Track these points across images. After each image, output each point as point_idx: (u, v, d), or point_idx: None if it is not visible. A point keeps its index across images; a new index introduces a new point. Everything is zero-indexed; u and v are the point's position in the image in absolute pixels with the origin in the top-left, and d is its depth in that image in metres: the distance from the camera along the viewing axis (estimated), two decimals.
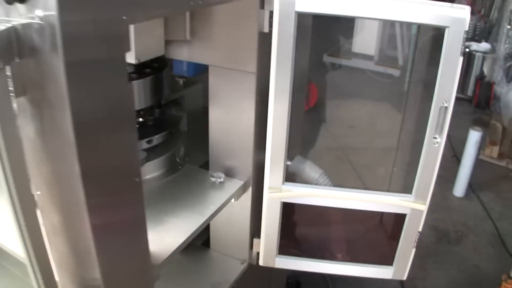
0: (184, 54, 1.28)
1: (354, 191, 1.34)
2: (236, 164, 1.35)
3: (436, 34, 1.84)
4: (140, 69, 1.26)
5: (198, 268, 1.47)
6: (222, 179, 1.33)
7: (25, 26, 0.67)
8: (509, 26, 4.24)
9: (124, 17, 0.72)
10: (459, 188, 3.56)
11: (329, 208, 1.37)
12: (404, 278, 1.48)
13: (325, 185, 1.51)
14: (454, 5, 1.19)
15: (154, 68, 1.29)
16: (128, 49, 0.74)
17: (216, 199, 1.28)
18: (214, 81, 1.28)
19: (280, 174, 1.31)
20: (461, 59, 1.20)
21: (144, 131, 1.32)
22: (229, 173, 1.36)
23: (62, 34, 0.64)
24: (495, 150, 3.95)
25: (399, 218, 1.37)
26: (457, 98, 1.29)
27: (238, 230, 1.43)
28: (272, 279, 1.78)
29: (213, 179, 1.33)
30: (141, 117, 1.36)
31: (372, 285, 2.72)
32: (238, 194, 1.34)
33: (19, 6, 0.67)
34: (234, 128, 1.30)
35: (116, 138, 0.78)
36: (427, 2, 1.18)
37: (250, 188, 1.36)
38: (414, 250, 1.41)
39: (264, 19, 1.16)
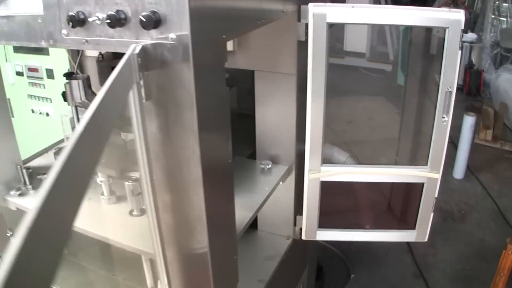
0: (230, 63, 1.57)
1: (380, 167, 1.64)
2: (280, 152, 1.64)
3: (426, 29, 2.18)
4: None
5: (250, 245, 1.75)
6: (270, 166, 1.62)
7: (156, 45, 0.95)
8: (493, 16, 4.63)
9: (224, 36, 1.01)
10: (459, 170, 3.90)
11: (359, 183, 1.66)
12: (425, 239, 1.77)
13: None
14: (452, 9, 1.51)
15: None
16: (226, 60, 1.03)
17: (267, 182, 1.57)
18: (259, 83, 1.58)
19: (318, 157, 1.60)
20: (459, 52, 1.52)
21: None
22: (274, 160, 1.65)
23: (193, 49, 0.92)
24: (488, 134, 4.31)
25: (418, 187, 1.67)
26: None
27: (283, 210, 1.72)
28: (308, 252, 2.07)
29: (262, 166, 1.62)
30: None
31: (388, 264, 3.03)
32: (284, 178, 1.63)
33: (152, 31, 0.95)
34: (278, 121, 1.59)
35: (219, 129, 1.07)
36: (430, 8, 1.50)
37: (293, 172, 1.65)
38: (432, 214, 1.71)
39: (301, 30, 1.46)
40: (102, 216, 1.44)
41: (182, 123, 1.00)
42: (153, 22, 0.91)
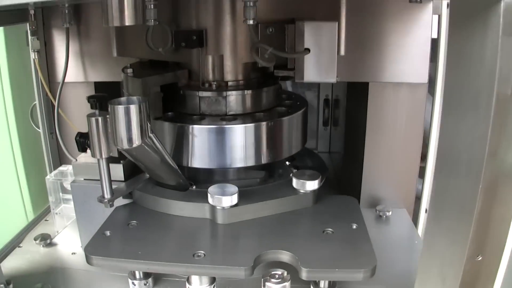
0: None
1: None
2: (392, 192, 1.16)
3: None
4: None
5: None
6: (390, 212, 1.12)
7: None
8: None
9: None
10: None
11: None
12: None
13: None
14: None
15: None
16: None
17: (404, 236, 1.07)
18: (374, 100, 1.09)
19: None
20: None
21: None
22: (382, 203, 1.16)
23: None
24: None
25: None
26: None
27: None
28: None
29: (380, 214, 1.11)
30: None
31: None
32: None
33: None
34: (397, 151, 1.11)
35: None
36: None
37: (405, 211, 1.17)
38: None
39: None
40: None
41: None
42: None
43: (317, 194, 0.90)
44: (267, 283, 0.71)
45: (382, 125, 1.10)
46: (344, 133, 1.47)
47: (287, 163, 1.05)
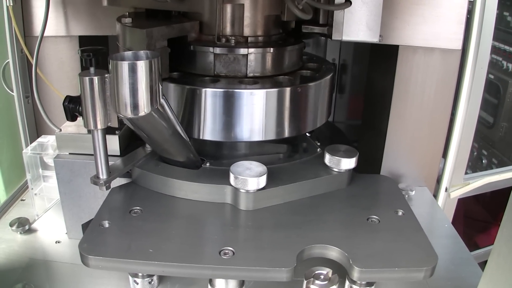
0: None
1: None
2: (414, 168, 1.02)
3: None
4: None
5: None
6: (413, 192, 0.99)
7: None
8: None
9: None
10: None
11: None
12: None
13: None
14: None
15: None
16: None
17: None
18: (404, 66, 0.92)
19: (463, 168, 1.06)
20: None
21: None
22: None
23: None
24: None
25: None
26: None
27: None
28: None
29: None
30: None
31: None
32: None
33: None
34: (423, 124, 0.97)
35: None
36: None
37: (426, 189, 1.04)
38: None
39: None
40: None
41: None
42: None
43: (352, 174, 0.75)
44: (311, 287, 0.55)
45: (409, 95, 0.95)
46: (349, 101, 1.33)
47: (307, 134, 0.88)
